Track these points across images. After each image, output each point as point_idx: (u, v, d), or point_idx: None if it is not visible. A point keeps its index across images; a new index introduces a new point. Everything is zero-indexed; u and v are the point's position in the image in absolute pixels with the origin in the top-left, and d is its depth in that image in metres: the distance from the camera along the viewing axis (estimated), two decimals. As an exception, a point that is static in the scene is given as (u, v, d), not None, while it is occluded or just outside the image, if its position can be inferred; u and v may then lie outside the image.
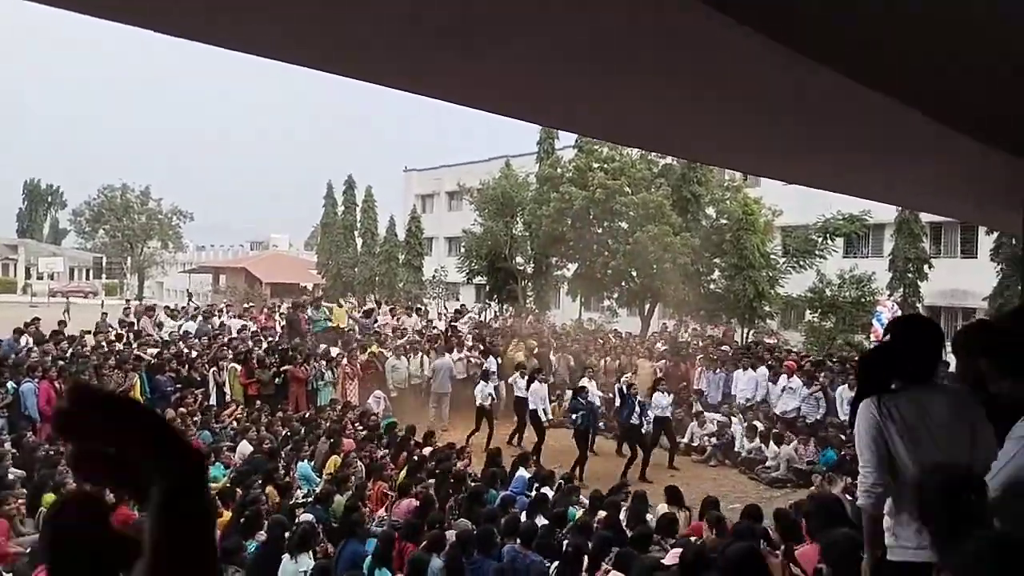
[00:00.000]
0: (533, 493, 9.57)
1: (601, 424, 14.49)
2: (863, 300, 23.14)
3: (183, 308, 22.89)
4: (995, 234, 21.33)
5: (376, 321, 19.68)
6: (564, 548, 6.95)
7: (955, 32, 2.42)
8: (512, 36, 2.25)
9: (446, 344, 17.41)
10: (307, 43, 2.40)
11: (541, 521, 7.69)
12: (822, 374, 14.48)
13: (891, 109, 2.92)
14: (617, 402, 13.62)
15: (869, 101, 2.82)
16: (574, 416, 13.23)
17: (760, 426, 13.75)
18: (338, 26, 2.19)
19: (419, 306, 27.32)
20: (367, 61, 2.60)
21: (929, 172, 4.45)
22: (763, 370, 15.38)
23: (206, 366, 14.30)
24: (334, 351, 16.49)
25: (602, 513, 8.23)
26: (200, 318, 19.49)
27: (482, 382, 14.90)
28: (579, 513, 8.94)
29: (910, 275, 24.61)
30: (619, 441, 14.07)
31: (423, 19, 2.12)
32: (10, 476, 8.96)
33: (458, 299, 35.25)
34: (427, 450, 11.38)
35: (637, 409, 12.94)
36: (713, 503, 8.12)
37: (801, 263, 23.30)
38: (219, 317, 20.15)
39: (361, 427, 12.35)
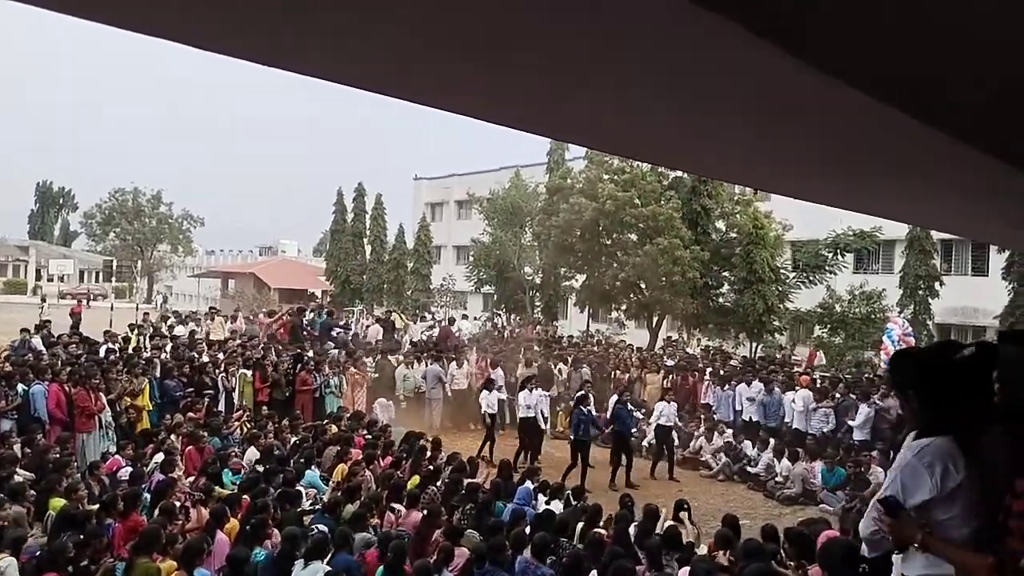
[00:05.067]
0: (539, 505, 9.53)
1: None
2: (873, 316, 23.07)
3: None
4: (1007, 252, 21.25)
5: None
6: (562, 558, 6.92)
7: (982, 50, 2.40)
8: (528, 50, 2.25)
9: (427, 352, 17.58)
10: (326, 56, 2.41)
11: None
12: (836, 391, 14.40)
13: (910, 127, 2.90)
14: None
15: (889, 119, 2.80)
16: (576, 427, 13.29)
17: (771, 442, 13.68)
18: (356, 39, 2.19)
19: (425, 314, 27.34)
20: (388, 75, 2.61)
21: (951, 192, 4.43)
22: (773, 386, 15.26)
23: (216, 371, 14.31)
24: (341, 358, 16.52)
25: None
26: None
27: (485, 391, 14.89)
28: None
29: (921, 292, 24.51)
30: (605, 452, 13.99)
31: (439, 32, 2.12)
32: (18, 479, 8.95)
33: (465, 308, 35.29)
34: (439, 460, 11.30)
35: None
36: (732, 522, 7.97)
37: (811, 278, 23.25)
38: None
39: (368, 435, 12.33)
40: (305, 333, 19.39)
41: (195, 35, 2.24)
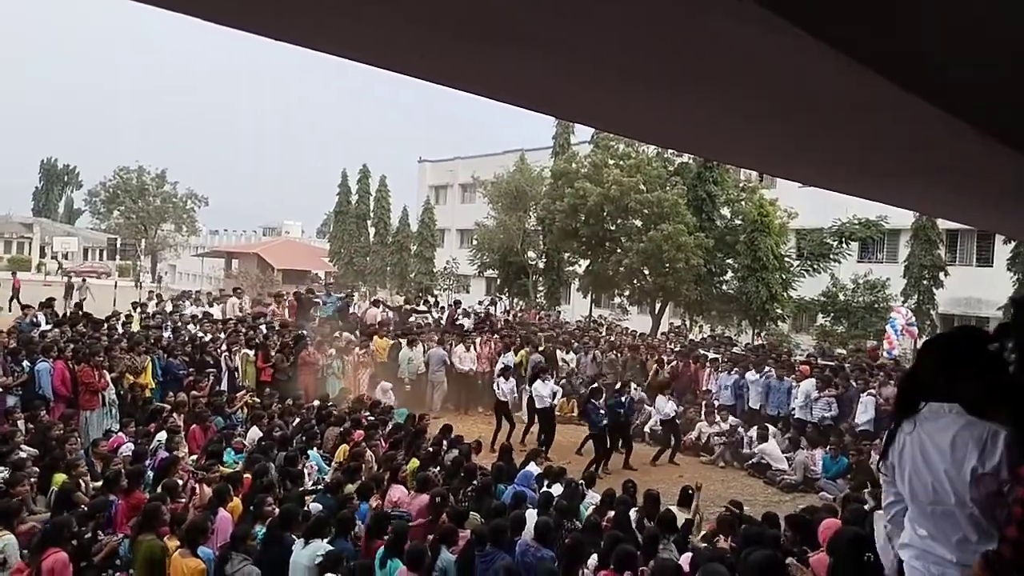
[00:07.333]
0: (542, 489, 9.53)
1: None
2: (876, 306, 23.10)
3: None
4: (1012, 243, 21.17)
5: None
6: (564, 541, 6.93)
7: (1008, 46, 2.36)
8: (537, 26, 2.21)
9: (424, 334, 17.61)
10: (333, 31, 2.37)
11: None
12: (837, 379, 14.38)
13: (938, 119, 2.86)
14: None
15: (916, 110, 2.76)
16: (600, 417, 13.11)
17: (772, 429, 13.68)
18: (363, 14, 2.16)
19: (428, 297, 27.31)
20: (392, 50, 2.57)
21: (973, 184, 4.39)
22: (782, 373, 15.20)
23: (219, 350, 14.33)
24: (345, 339, 16.51)
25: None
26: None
27: (501, 378, 14.81)
28: (589, 511, 8.91)
29: (925, 282, 24.50)
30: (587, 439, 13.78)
31: (447, 8, 2.08)
32: (22, 454, 8.98)
33: (468, 291, 35.30)
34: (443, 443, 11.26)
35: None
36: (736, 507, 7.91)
37: (815, 266, 23.21)
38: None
39: (371, 417, 12.34)
40: (313, 311, 19.34)
41: (198, 5, 2.21)
